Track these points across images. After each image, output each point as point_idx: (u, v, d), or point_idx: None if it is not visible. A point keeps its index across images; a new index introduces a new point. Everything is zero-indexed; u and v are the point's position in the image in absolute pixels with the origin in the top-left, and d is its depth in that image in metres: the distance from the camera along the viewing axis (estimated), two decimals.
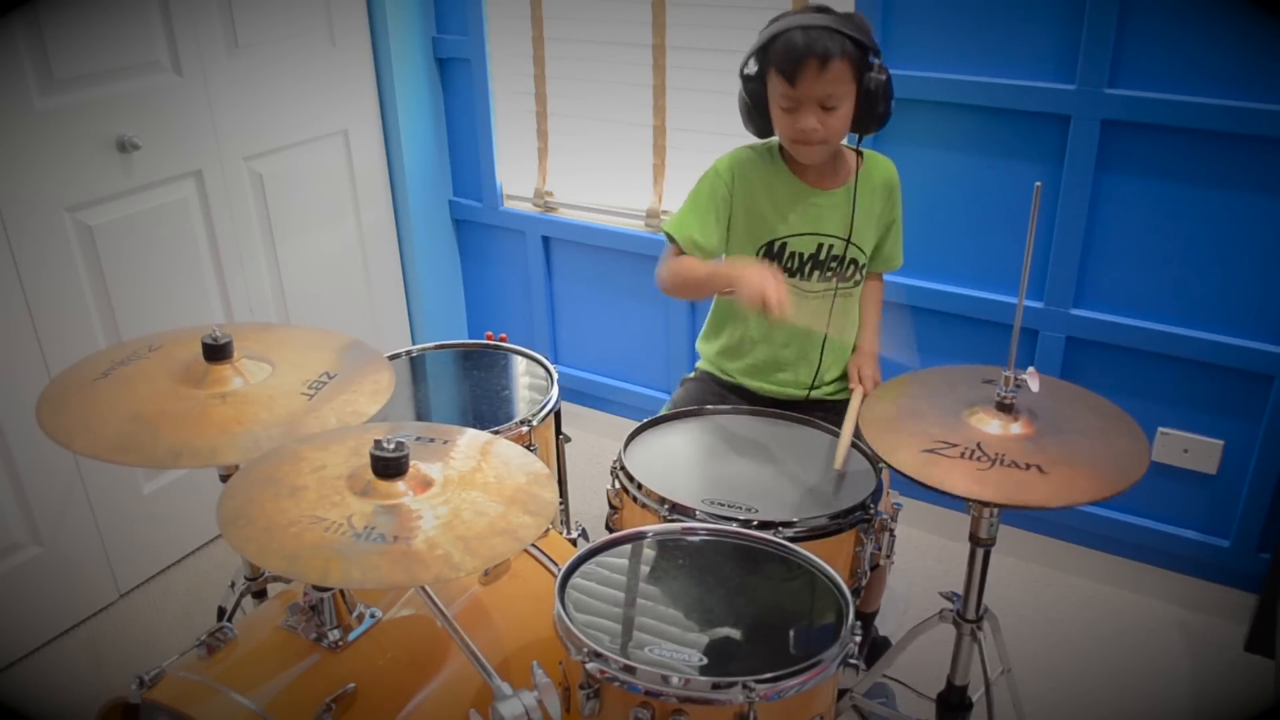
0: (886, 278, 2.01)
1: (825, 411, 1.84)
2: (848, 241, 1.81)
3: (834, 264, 1.83)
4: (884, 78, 1.68)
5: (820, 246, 1.81)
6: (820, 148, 1.72)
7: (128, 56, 2.14)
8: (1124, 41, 1.97)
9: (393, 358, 1.97)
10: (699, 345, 2.05)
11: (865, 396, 1.82)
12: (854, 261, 1.84)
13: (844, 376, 1.93)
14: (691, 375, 2.04)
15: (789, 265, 1.82)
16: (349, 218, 2.77)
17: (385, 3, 2.66)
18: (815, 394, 1.91)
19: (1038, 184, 1.39)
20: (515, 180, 2.91)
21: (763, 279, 1.56)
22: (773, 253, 1.82)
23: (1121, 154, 2.05)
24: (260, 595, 1.74)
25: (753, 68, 1.70)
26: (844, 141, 1.80)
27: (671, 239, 1.81)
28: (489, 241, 3.01)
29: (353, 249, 2.80)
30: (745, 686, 1.14)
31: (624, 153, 2.69)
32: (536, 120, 2.79)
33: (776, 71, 1.66)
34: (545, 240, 2.87)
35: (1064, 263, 2.16)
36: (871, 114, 1.70)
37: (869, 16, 2.15)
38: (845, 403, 1.85)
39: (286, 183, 2.55)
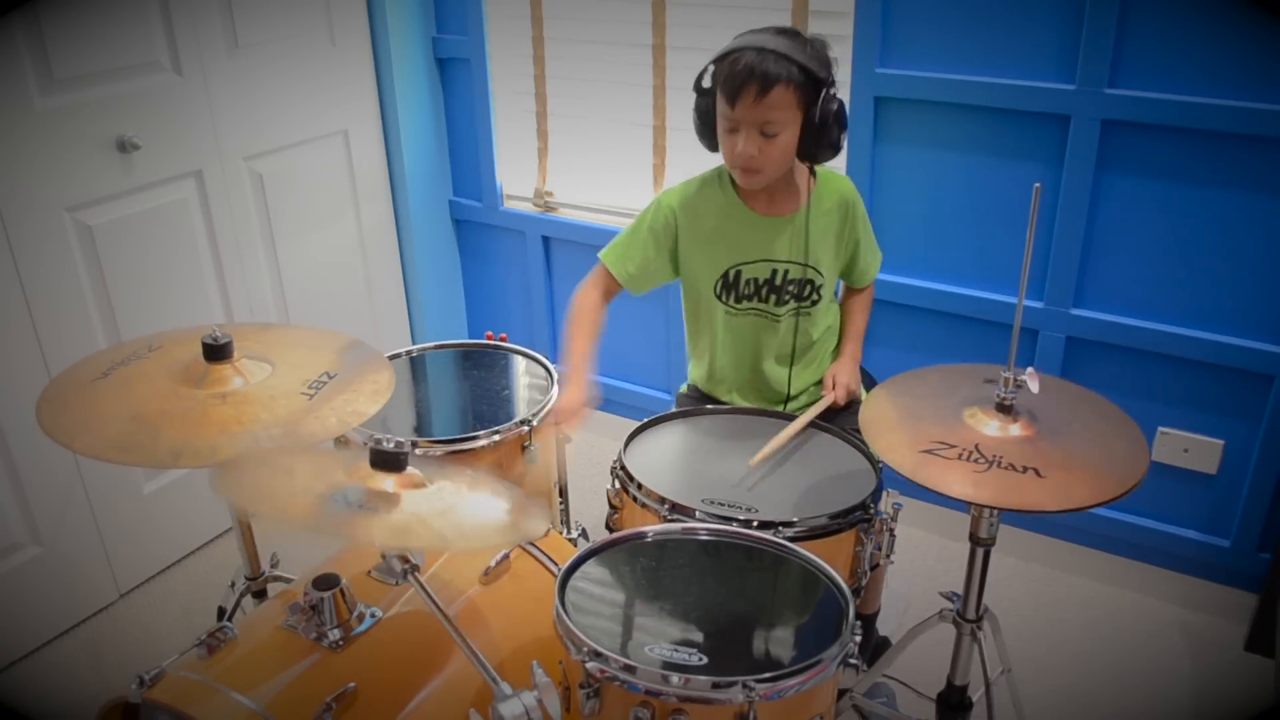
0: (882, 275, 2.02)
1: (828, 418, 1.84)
2: (805, 264, 1.79)
3: (791, 287, 1.81)
4: (834, 107, 1.63)
5: (774, 272, 1.80)
6: (757, 175, 1.69)
7: (128, 56, 2.14)
8: (1124, 41, 1.97)
9: (393, 358, 1.97)
10: (689, 366, 2.05)
11: (833, 406, 1.82)
12: (811, 283, 1.82)
13: (818, 384, 1.92)
14: (684, 390, 2.05)
15: (746, 291, 1.82)
16: (349, 218, 2.77)
17: (385, 3, 2.66)
18: (791, 409, 1.91)
19: (1037, 184, 1.38)
20: (515, 180, 2.91)
21: (566, 403, 1.69)
22: (729, 281, 1.82)
23: (1121, 154, 2.05)
24: (260, 595, 1.74)
25: (707, 81, 1.68)
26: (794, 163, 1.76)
27: (603, 263, 1.84)
28: (489, 241, 3.01)
29: (353, 249, 2.80)
30: (745, 686, 1.14)
31: (624, 153, 2.69)
32: (536, 120, 2.79)
33: (720, 90, 1.64)
34: (545, 240, 2.87)
35: (1064, 263, 2.16)
36: (818, 143, 1.65)
37: (869, 16, 2.17)
38: (845, 407, 1.86)
39: (286, 183, 2.55)
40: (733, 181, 1.78)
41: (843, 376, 1.86)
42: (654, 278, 1.86)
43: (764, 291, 1.82)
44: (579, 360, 1.75)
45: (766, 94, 1.59)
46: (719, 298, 1.84)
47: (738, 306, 1.84)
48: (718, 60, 1.65)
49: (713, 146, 1.75)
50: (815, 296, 1.84)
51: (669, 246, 1.83)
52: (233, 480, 1.17)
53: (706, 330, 1.90)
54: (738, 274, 1.81)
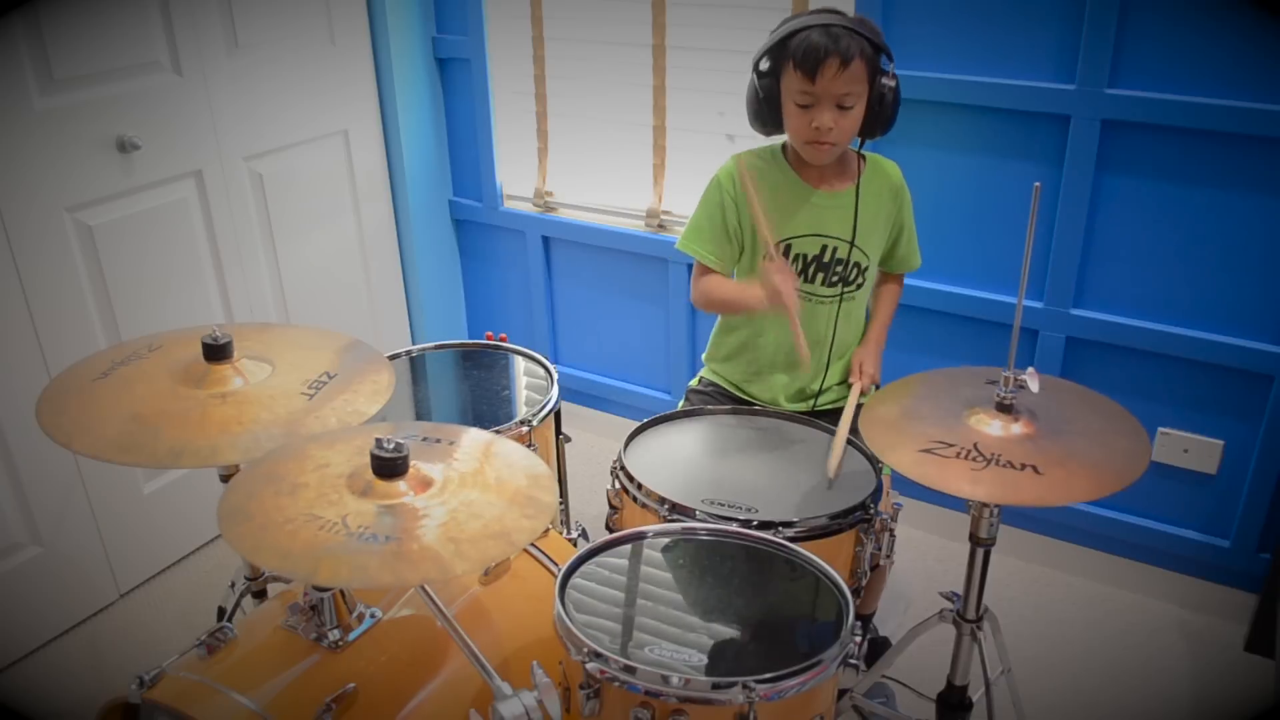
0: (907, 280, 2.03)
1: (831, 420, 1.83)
2: (851, 244, 1.80)
3: (839, 267, 1.82)
4: (894, 84, 1.70)
5: (824, 248, 1.81)
6: (831, 149, 1.72)
7: (128, 56, 2.14)
8: (1124, 41, 1.97)
9: (393, 358, 1.97)
10: (705, 355, 2.04)
11: (864, 394, 1.82)
12: (858, 265, 1.83)
13: (845, 383, 1.92)
14: (696, 385, 2.03)
15: (795, 267, 1.81)
16: (349, 218, 2.77)
17: (385, 3, 2.66)
18: (820, 404, 1.91)
19: (1037, 184, 1.39)
20: (515, 180, 2.91)
21: (778, 274, 1.64)
22: (780, 255, 1.81)
23: (1121, 154, 2.05)
24: (260, 595, 1.74)
25: (767, 63, 1.70)
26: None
27: (693, 255, 1.85)
28: (489, 241, 3.01)
29: (353, 249, 2.80)
30: (745, 686, 1.14)
31: (624, 153, 2.69)
32: (536, 120, 2.79)
33: (795, 67, 1.66)
34: (545, 240, 2.87)
35: (1064, 263, 2.16)
36: (880, 117, 1.71)
37: (869, 16, 2.16)
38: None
39: (286, 183, 2.55)
40: (785, 156, 1.82)
41: (869, 365, 1.89)
42: (732, 254, 1.86)
43: (811, 270, 1.81)
44: (747, 283, 1.78)
45: (847, 66, 1.63)
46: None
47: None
48: (783, 39, 1.67)
49: (770, 129, 1.77)
50: (861, 280, 1.84)
51: (736, 220, 1.83)
52: (242, 531, 1.17)
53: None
54: (788, 248, 1.80)
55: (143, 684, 1.21)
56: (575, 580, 1.34)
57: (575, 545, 1.81)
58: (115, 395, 1.42)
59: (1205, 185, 2.00)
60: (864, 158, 1.83)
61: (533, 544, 1.57)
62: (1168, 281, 2.10)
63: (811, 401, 1.91)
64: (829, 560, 1.38)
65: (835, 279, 1.82)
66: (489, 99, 2.79)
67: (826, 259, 1.81)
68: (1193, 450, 2.18)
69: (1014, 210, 2.19)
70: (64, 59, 2.03)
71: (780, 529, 1.47)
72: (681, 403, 1.98)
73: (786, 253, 1.81)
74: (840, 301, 1.84)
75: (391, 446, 1.21)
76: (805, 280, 1.82)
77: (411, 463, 1.23)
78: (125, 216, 2.20)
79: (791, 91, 1.69)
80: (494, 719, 1.12)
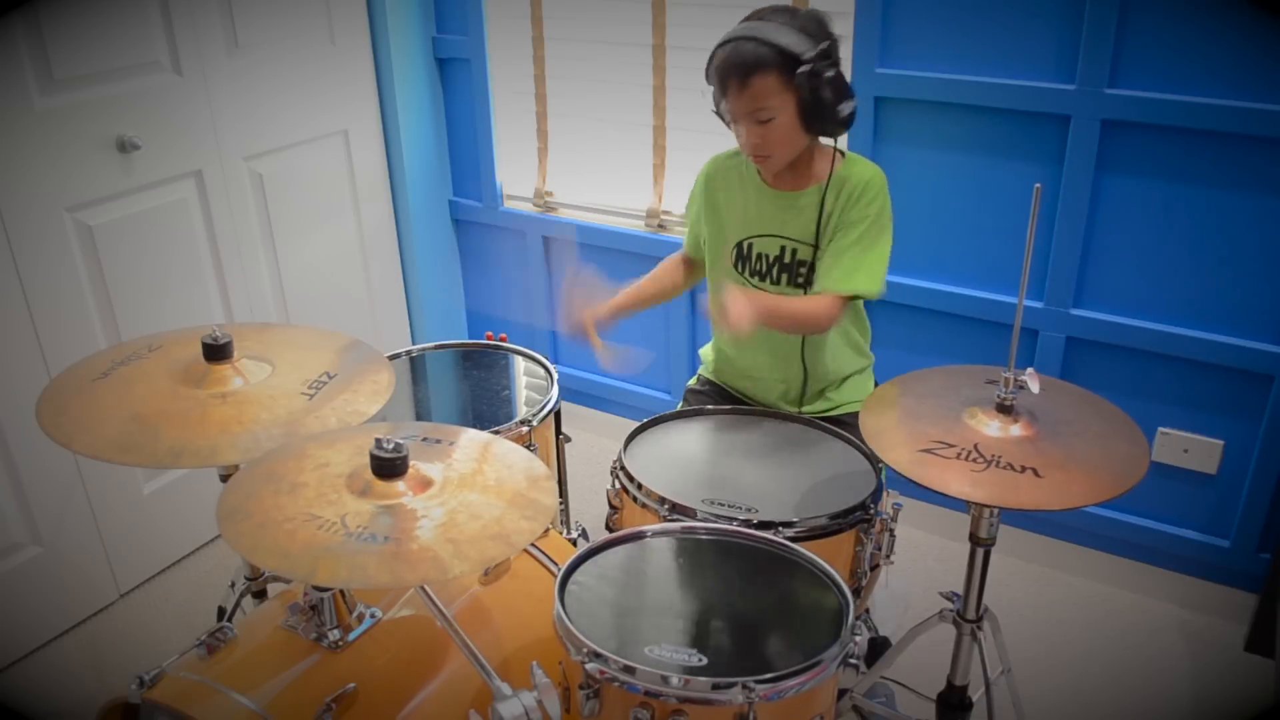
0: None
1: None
2: (814, 246, 1.75)
3: (801, 269, 1.77)
4: (820, 83, 1.58)
5: (784, 249, 1.78)
6: (767, 160, 1.69)
7: (128, 56, 2.14)
8: (1124, 41, 1.97)
9: (393, 358, 1.97)
10: (702, 351, 2.05)
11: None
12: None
13: (825, 392, 1.89)
14: (694, 384, 2.03)
15: (758, 268, 1.80)
16: (349, 218, 2.77)
17: (385, 3, 2.66)
18: (807, 409, 1.89)
19: (1038, 185, 1.38)
20: (515, 180, 2.91)
21: (730, 296, 1.56)
22: (742, 254, 1.81)
23: (1121, 154, 2.05)
24: (260, 595, 1.74)
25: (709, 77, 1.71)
26: (822, 143, 1.74)
27: None
28: (489, 241, 3.01)
29: (353, 249, 2.80)
30: (745, 686, 1.14)
31: (624, 153, 2.69)
32: (536, 120, 2.79)
33: (715, 86, 1.67)
34: (545, 240, 2.87)
35: (1064, 263, 2.16)
36: (817, 118, 1.62)
37: (869, 17, 2.17)
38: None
39: (286, 183, 2.55)
40: None
41: (731, 302, 1.57)
42: (700, 249, 1.92)
43: (775, 270, 1.79)
44: (620, 295, 1.87)
45: (747, 84, 1.60)
46: (736, 268, 1.83)
47: (753, 283, 1.82)
48: (711, 56, 1.66)
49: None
50: None
51: (705, 218, 1.87)
52: (241, 530, 1.17)
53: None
54: (750, 246, 1.80)
55: (143, 684, 1.21)
56: (575, 580, 1.34)
57: (575, 545, 1.81)
58: (115, 395, 1.42)
59: (1205, 185, 2.00)
60: (842, 157, 1.76)
61: (533, 544, 1.57)
62: (1168, 281, 2.10)
63: (797, 407, 1.89)
64: (829, 560, 1.38)
65: (800, 280, 1.78)
66: (489, 99, 2.79)
67: (788, 260, 1.78)
68: (1193, 450, 2.18)
69: (1014, 210, 2.19)
70: (64, 59, 2.03)
71: (780, 529, 1.47)
72: (680, 404, 1.99)
73: (749, 252, 1.81)
74: None
75: (391, 447, 1.21)
76: (770, 281, 1.80)
77: (411, 463, 1.23)
78: (125, 216, 2.20)
79: (722, 108, 1.69)
80: (494, 719, 1.12)
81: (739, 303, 1.55)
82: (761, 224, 1.79)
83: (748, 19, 1.65)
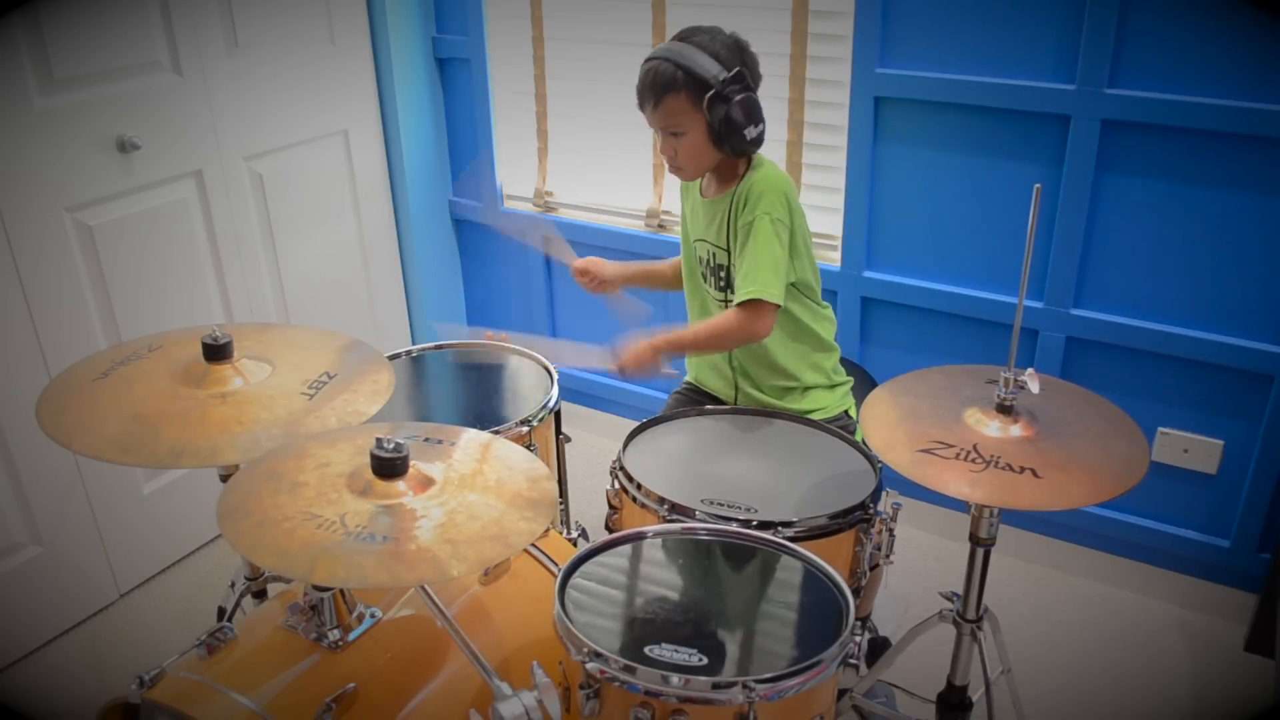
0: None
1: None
2: (727, 250, 1.81)
3: (722, 272, 1.84)
4: (726, 106, 1.66)
5: (710, 253, 1.86)
6: (681, 172, 1.81)
7: (128, 56, 2.14)
8: (1124, 41, 1.97)
9: (393, 358, 1.97)
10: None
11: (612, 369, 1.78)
12: (731, 269, 1.82)
13: (775, 387, 1.89)
14: (679, 389, 2.07)
15: (704, 271, 1.90)
16: (349, 218, 2.77)
17: (385, 3, 2.66)
18: (742, 400, 1.92)
19: (1038, 185, 1.38)
20: (515, 180, 2.91)
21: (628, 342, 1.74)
22: (698, 255, 1.91)
23: (1121, 154, 2.05)
24: (260, 595, 1.74)
25: None
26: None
27: None
28: (489, 241, 3.01)
29: (353, 249, 2.80)
30: (745, 686, 1.14)
31: (624, 153, 2.69)
32: (536, 120, 2.79)
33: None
34: (545, 240, 2.86)
35: (1064, 263, 2.16)
36: (723, 138, 1.70)
37: (869, 17, 2.17)
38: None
39: (286, 183, 2.55)
40: None
41: (630, 346, 1.75)
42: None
43: (710, 274, 1.88)
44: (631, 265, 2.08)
45: (660, 103, 1.72)
46: (699, 269, 1.92)
47: (708, 284, 1.90)
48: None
49: None
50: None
51: (683, 217, 1.96)
52: (240, 529, 1.17)
53: (696, 308, 1.98)
54: (696, 249, 1.90)
55: (143, 684, 1.21)
56: (575, 580, 1.34)
57: (575, 545, 1.81)
58: (115, 395, 1.42)
59: (1205, 185, 2.00)
60: (750, 165, 1.79)
61: (533, 544, 1.57)
62: (1168, 281, 2.10)
63: (733, 398, 1.95)
64: (829, 560, 1.38)
65: (722, 284, 1.85)
66: (489, 99, 2.79)
67: (713, 264, 1.86)
68: (1193, 450, 2.18)
69: (1014, 210, 2.19)
70: (64, 59, 2.03)
71: (780, 529, 1.47)
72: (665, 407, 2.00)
73: (694, 253, 1.91)
74: (727, 306, 1.83)
75: (391, 447, 1.21)
76: (712, 285, 1.88)
77: (412, 463, 1.23)
78: (125, 216, 2.20)
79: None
80: (494, 719, 1.12)
81: (632, 348, 1.75)
82: (698, 229, 1.88)
83: (675, 38, 1.75)
